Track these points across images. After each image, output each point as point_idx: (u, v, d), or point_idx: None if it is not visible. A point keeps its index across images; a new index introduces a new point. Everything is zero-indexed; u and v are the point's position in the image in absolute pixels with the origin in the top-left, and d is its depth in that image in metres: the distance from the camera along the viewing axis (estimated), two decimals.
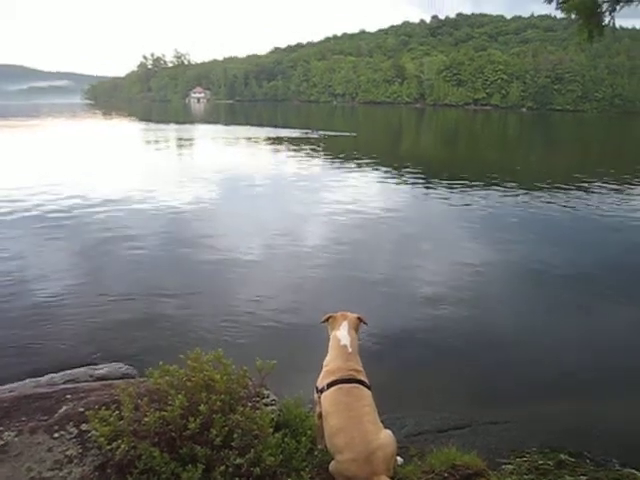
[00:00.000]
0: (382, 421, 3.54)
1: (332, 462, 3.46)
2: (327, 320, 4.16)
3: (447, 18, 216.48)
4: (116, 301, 8.64)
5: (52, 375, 5.16)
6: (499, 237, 13.64)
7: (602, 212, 16.26)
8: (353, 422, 3.44)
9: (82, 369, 5.34)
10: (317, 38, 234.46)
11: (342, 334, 3.94)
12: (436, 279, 10.28)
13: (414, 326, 8.15)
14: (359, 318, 4.13)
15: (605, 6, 7.39)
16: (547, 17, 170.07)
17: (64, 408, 3.50)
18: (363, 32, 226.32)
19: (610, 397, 6.39)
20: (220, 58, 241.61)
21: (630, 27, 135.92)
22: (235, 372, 3.73)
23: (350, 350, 3.87)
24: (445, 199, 17.86)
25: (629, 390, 6.57)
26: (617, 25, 7.91)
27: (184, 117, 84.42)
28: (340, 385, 3.65)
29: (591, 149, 44.99)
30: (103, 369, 5.44)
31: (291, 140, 39.54)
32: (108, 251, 11.48)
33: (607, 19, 7.54)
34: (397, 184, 20.96)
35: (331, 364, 3.84)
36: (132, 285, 9.44)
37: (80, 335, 7.43)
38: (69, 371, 5.23)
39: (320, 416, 3.74)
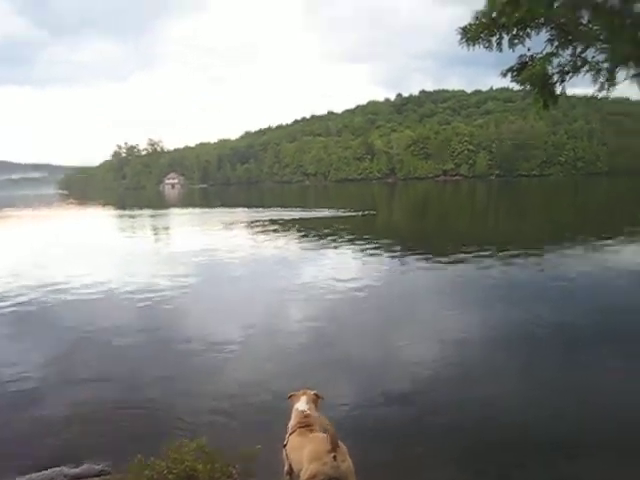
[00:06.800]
0: None
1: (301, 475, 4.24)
2: (290, 397, 5.18)
3: (411, 95, 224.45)
4: (90, 391, 8.32)
5: (25, 477, 4.87)
6: (475, 305, 13.66)
7: (576, 274, 16.45)
8: (312, 441, 4.40)
9: (56, 469, 5.06)
10: (286, 121, 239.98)
11: (301, 405, 4.95)
12: (417, 352, 10.17)
13: (395, 399, 7.97)
14: (316, 394, 5.15)
15: (555, 77, 7.75)
16: (505, 89, 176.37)
17: None
18: (331, 113, 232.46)
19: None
20: (192, 144, 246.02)
21: (582, 95, 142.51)
22: (219, 460, 3.56)
23: (308, 412, 4.85)
24: (431, 270, 18.00)
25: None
26: (570, 93, 8.28)
27: (159, 203, 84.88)
28: (299, 430, 4.66)
29: (560, 212, 46.02)
30: (78, 468, 5.16)
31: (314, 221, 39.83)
32: (79, 338, 11.18)
33: (559, 89, 7.91)
34: (381, 259, 21.04)
35: (291, 423, 4.84)
36: (105, 373, 9.13)
37: (53, 431, 7.09)
38: (41, 472, 4.94)
39: (288, 471, 4.55)
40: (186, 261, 21.32)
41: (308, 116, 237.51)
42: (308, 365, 9.54)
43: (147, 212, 59.24)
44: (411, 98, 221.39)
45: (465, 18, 7.63)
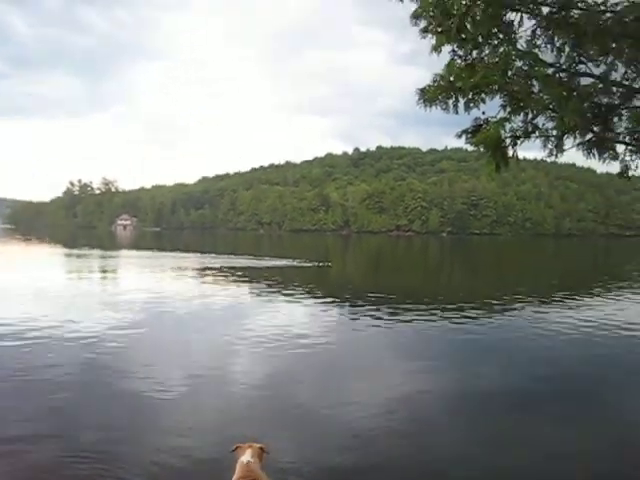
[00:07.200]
0: None
1: None
2: (235, 450, 4.95)
3: (368, 150, 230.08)
4: (23, 448, 7.86)
5: None
6: (425, 361, 13.69)
7: (525, 332, 16.75)
8: None
9: None
10: (244, 168, 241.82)
11: (246, 457, 4.76)
12: (366, 408, 10.08)
13: (344, 459, 7.84)
14: (261, 448, 4.96)
15: (508, 140, 8.12)
16: (460, 150, 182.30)
17: None
18: (289, 163, 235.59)
19: None
20: (148, 186, 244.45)
21: (532, 158, 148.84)
22: None
23: (252, 465, 4.66)
24: (385, 326, 18.02)
25: None
26: (521, 156, 8.66)
27: (110, 244, 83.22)
28: None
29: (509, 270, 47.13)
30: None
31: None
32: (13, 388, 10.64)
33: (511, 152, 8.28)
34: (335, 312, 21.00)
35: (234, 477, 4.66)
36: (42, 428, 8.68)
37: None
38: None
39: None
40: (133, 307, 20.72)
41: (266, 165, 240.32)
42: (253, 418, 9.34)
43: (97, 252, 57.94)
44: (368, 153, 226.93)
45: (426, 80, 7.98)
